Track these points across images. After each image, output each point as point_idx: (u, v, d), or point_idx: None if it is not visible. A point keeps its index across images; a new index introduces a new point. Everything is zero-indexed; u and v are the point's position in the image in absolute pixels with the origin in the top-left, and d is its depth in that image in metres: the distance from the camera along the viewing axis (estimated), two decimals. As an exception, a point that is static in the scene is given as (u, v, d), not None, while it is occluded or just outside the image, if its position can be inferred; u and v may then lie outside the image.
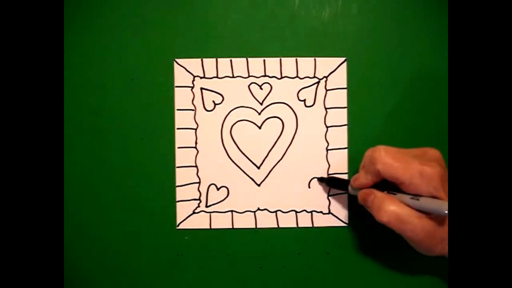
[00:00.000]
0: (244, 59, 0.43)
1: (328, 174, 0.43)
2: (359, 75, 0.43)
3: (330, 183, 0.42)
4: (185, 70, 0.43)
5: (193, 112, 0.43)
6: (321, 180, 0.42)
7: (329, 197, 0.43)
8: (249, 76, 0.43)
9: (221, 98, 0.43)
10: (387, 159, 0.34)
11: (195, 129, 0.43)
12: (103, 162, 0.42)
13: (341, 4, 0.43)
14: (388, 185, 0.35)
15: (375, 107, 0.43)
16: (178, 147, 0.43)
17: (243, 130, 0.43)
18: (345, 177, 0.43)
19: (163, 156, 0.43)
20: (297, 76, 0.43)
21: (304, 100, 0.43)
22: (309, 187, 0.43)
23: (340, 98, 0.43)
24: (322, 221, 0.43)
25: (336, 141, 0.42)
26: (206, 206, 0.43)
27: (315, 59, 0.43)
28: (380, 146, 0.35)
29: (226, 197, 0.43)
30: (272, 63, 0.43)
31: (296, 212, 0.43)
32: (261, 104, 0.43)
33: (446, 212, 0.31)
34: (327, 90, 0.43)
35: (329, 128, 0.43)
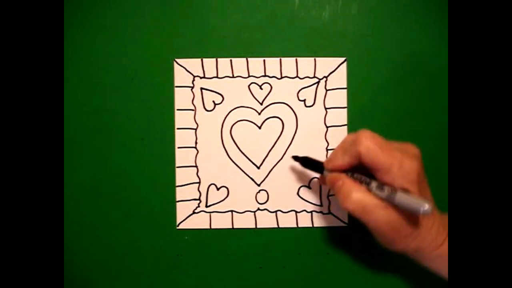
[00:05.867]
0: (244, 59, 0.43)
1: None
2: (359, 75, 0.43)
3: (305, 164, 0.40)
4: (185, 70, 0.43)
5: (193, 112, 0.43)
6: (295, 158, 0.40)
7: (329, 197, 0.43)
8: (249, 76, 0.43)
9: (221, 98, 0.43)
10: (371, 143, 0.33)
11: (195, 129, 0.43)
12: (103, 162, 0.42)
13: (341, 4, 0.43)
14: (360, 173, 0.34)
15: (375, 107, 0.43)
16: (178, 147, 0.43)
17: (243, 130, 0.43)
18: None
19: (163, 156, 0.43)
20: (297, 76, 0.43)
21: (304, 100, 0.43)
22: (309, 187, 0.43)
23: (340, 98, 0.43)
24: (322, 221, 0.43)
25: (336, 141, 0.42)
26: (206, 206, 0.43)
27: (315, 59, 0.43)
28: (365, 130, 0.34)
29: (226, 197, 0.43)
30: (272, 63, 0.43)
31: (296, 212, 0.43)
32: (261, 104, 0.43)
33: (424, 209, 0.30)
34: (327, 90, 0.43)
35: (329, 128, 0.43)
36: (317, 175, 0.42)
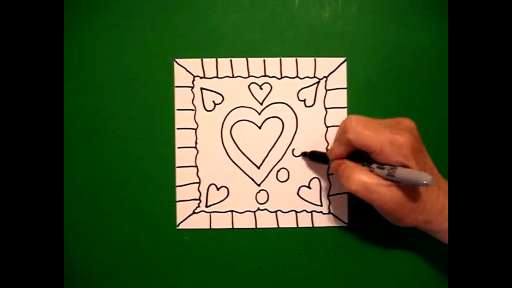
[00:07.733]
0: (244, 59, 0.43)
1: (328, 174, 0.43)
2: (359, 75, 0.43)
3: (313, 158, 0.42)
4: (185, 70, 0.43)
5: (193, 112, 0.43)
6: (304, 154, 0.42)
7: (329, 197, 0.43)
8: (249, 76, 0.43)
9: (221, 98, 0.43)
10: (358, 127, 0.34)
11: (195, 129, 0.43)
12: (103, 162, 0.42)
13: (341, 4, 0.43)
14: (362, 157, 0.35)
15: (375, 107, 0.43)
16: (178, 147, 0.43)
17: (243, 130, 0.43)
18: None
19: (163, 156, 0.43)
20: (297, 76, 0.43)
21: (304, 100, 0.43)
22: (309, 187, 0.43)
23: (340, 98, 0.43)
24: (322, 221, 0.43)
25: (336, 141, 0.42)
26: (206, 206, 0.43)
27: (315, 59, 0.43)
28: (351, 115, 0.35)
29: (226, 197, 0.43)
30: (272, 63, 0.43)
31: (296, 212, 0.43)
32: (261, 104, 0.43)
33: (425, 182, 0.30)
34: (327, 90, 0.43)
35: (329, 128, 0.43)
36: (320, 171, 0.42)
